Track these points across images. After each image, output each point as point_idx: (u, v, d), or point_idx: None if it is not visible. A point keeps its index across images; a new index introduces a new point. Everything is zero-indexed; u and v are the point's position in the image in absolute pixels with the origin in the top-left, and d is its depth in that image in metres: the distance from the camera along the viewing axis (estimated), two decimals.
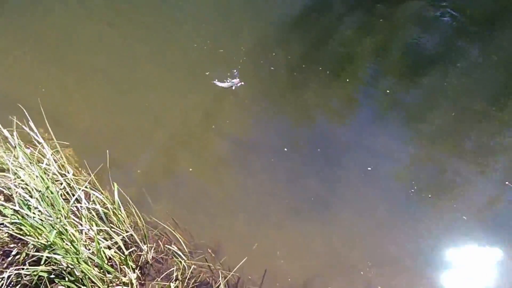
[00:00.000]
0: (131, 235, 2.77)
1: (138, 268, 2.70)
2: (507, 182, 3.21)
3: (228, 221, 3.23)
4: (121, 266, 2.50)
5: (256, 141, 3.82)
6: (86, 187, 2.73)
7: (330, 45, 4.61)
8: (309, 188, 3.40)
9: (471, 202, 3.25)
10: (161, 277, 2.64)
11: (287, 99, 4.13)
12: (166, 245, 2.86)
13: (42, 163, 2.74)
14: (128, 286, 2.49)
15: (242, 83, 4.06)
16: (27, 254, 2.42)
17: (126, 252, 2.46)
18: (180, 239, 2.83)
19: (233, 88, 4.06)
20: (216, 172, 3.58)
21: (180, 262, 2.63)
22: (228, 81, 4.08)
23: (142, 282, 2.68)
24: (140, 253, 2.73)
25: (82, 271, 2.29)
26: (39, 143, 2.75)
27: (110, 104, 4.05)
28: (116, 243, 2.64)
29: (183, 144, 3.78)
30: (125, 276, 2.53)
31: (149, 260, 2.73)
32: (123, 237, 2.64)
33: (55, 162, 2.87)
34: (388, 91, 4.16)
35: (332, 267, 2.98)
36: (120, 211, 2.78)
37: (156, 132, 3.81)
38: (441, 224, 3.12)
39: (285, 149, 3.63)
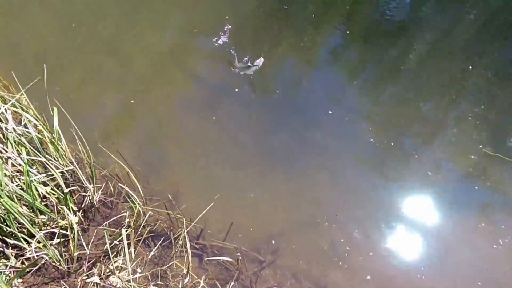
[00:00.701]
0: (74, 172, 2.28)
1: (81, 211, 2.24)
2: (481, 146, 3.18)
3: (189, 169, 2.85)
4: (59, 207, 2.03)
5: (222, 84, 3.40)
6: (15, 106, 2.13)
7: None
8: (274, 134, 3.12)
9: (434, 158, 3.22)
10: (109, 221, 2.21)
11: (258, 45, 3.75)
12: (117, 187, 2.42)
13: None
14: (66, 231, 2.04)
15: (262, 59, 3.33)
16: None
17: (66, 190, 1.98)
18: (134, 182, 2.39)
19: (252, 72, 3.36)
20: (178, 114, 3.13)
21: (134, 206, 2.21)
22: (249, 63, 3.32)
23: (86, 226, 2.24)
24: (84, 193, 2.26)
25: (4, 208, 1.79)
26: None
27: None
28: (53, 179, 2.14)
29: (142, 79, 3.24)
30: (63, 219, 2.07)
31: (95, 202, 2.28)
32: (63, 172, 2.14)
33: None
34: (355, 52, 3.93)
35: (294, 219, 2.78)
36: (61, 142, 2.25)
37: (112, 63, 3.22)
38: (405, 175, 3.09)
39: (252, 96, 3.30)
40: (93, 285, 1.96)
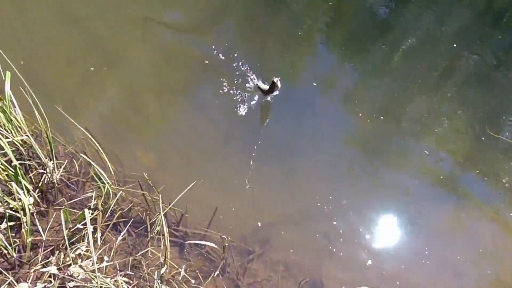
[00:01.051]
0: (31, 147, 1.94)
1: (38, 190, 1.90)
2: (486, 127, 3.00)
3: (169, 153, 2.54)
4: (8, 184, 1.70)
5: (204, 67, 3.11)
6: None
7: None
8: (260, 118, 2.87)
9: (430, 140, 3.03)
10: (71, 202, 1.89)
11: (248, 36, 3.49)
12: (84, 166, 2.09)
13: None
14: (19, 213, 1.70)
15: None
16: None
17: (16, 162, 1.65)
18: (104, 161, 2.07)
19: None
20: (160, 99, 2.82)
21: (103, 186, 1.89)
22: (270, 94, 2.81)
23: (44, 209, 1.90)
24: (42, 170, 1.93)
25: None
26: None
27: None
28: (4, 154, 1.80)
29: (118, 56, 2.93)
30: (15, 200, 1.73)
31: (55, 181, 1.94)
32: (16, 145, 1.81)
33: None
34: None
35: (284, 205, 2.52)
36: (15, 112, 1.92)
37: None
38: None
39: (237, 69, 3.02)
40: (49, 277, 1.64)
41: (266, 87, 2.81)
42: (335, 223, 2.41)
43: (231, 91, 2.89)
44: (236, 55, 3.12)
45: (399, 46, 3.72)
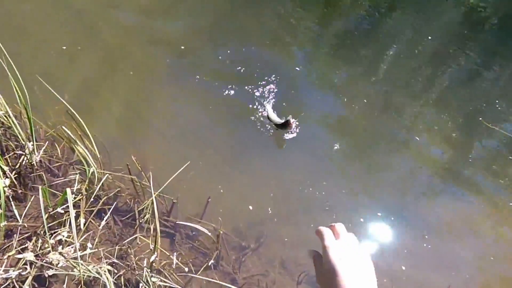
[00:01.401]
0: (9, 127, 1.79)
1: (14, 173, 1.73)
2: (480, 118, 2.98)
3: (159, 145, 2.41)
4: None
5: (194, 57, 3.01)
6: None
7: None
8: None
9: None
10: (52, 183, 1.73)
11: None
12: (67, 150, 1.94)
13: None
14: None
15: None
16: None
17: None
18: (91, 148, 1.92)
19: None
20: (147, 85, 2.70)
21: (88, 169, 1.74)
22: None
23: (21, 192, 1.73)
24: (19, 152, 1.77)
25: None
26: None
27: None
28: None
29: (109, 48, 2.81)
30: None
31: (34, 163, 1.78)
32: None
33: None
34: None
35: (278, 195, 2.40)
36: None
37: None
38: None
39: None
40: (25, 264, 1.46)
41: (277, 118, 2.56)
42: (327, 208, 2.30)
43: (218, 82, 2.81)
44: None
45: (386, 50, 3.74)
